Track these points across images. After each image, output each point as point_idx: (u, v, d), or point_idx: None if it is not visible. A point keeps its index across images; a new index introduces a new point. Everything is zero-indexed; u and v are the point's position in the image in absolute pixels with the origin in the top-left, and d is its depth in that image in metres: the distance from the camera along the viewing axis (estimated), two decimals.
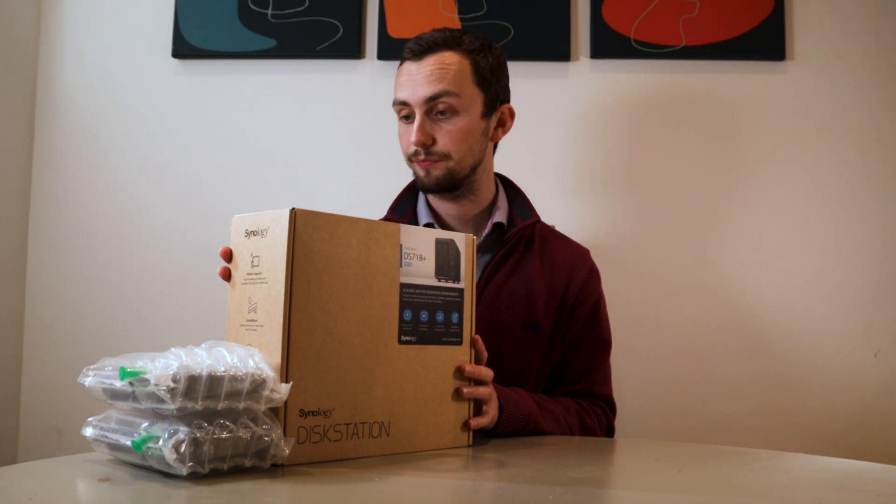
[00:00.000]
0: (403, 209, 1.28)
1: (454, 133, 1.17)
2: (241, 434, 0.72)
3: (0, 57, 1.63)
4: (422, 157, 1.17)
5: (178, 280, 1.65)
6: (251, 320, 0.81)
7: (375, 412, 0.85)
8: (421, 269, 0.91)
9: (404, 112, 1.20)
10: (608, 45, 1.61)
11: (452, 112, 1.17)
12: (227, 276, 0.86)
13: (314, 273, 0.80)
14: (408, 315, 0.89)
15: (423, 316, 0.90)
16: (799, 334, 1.56)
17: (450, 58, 1.18)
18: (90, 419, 0.79)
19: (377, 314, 0.86)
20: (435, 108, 1.17)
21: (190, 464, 0.68)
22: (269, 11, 1.66)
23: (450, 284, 0.94)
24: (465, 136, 1.18)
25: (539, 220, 1.27)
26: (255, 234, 0.82)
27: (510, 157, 1.63)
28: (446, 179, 1.18)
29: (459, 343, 0.94)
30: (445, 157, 1.18)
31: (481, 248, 1.24)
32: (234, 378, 0.71)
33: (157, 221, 1.67)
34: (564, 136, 1.63)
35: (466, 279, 0.95)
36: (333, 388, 0.81)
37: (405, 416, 0.88)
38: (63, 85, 1.71)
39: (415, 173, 1.22)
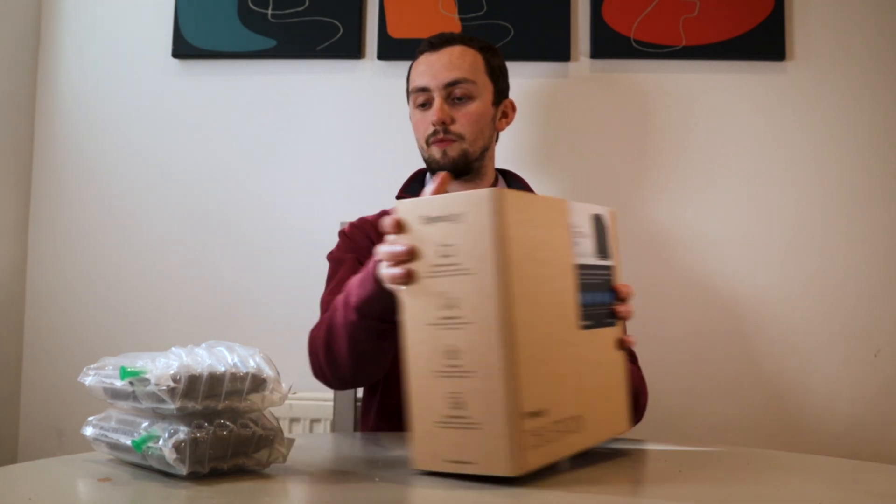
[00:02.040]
0: (413, 191, 1.32)
1: (469, 115, 1.26)
2: (241, 434, 0.72)
3: (0, 57, 1.63)
4: (440, 136, 1.24)
5: (179, 280, 1.65)
6: (450, 317, 0.71)
7: (570, 406, 0.77)
8: (585, 247, 0.83)
9: (422, 99, 1.27)
10: (608, 45, 1.61)
11: (468, 97, 1.26)
12: (405, 279, 0.76)
13: (519, 260, 0.71)
14: (583, 298, 0.81)
15: (593, 298, 0.83)
16: (799, 334, 1.56)
17: (465, 50, 1.28)
18: (90, 418, 0.79)
19: (561, 300, 0.78)
20: (453, 93, 1.25)
21: (190, 463, 0.68)
22: (269, 11, 1.66)
23: (605, 262, 0.86)
24: (479, 119, 1.27)
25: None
26: (441, 220, 0.72)
27: (510, 157, 1.63)
28: (461, 160, 1.26)
29: (614, 323, 0.88)
30: (460, 137, 1.25)
31: None
32: (234, 377, 0.71)
33: (157, 221, 1.67)
34: (564, 135, 1.63)
35: (615, 255, 0.89)
36: (544, 384, 0.73)
37: (590, 407, 0.80)
38: (63, 85, 1.71)
39: (430, 157, 1.27)
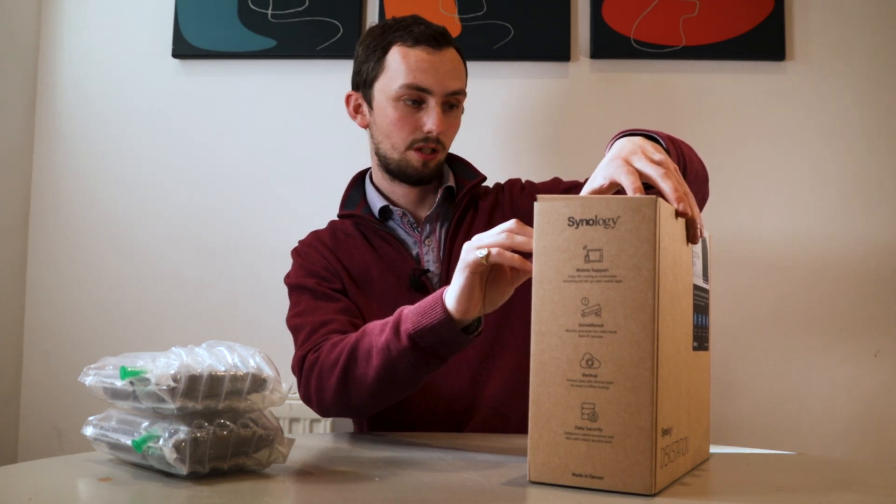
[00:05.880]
0: (354, 201, 1.29)
1: (455, 126, 1.24)
2: (241, 434, 0.72)
3: (0, 57, 1.63)
4: (432, 144, 1.19)
5: (179, 280, 1.65)
6: (591, 325, 0.68)
7: (684, 427, 0.75)
8: (697, 268, 0.81)
9: (415, 97, 1.18)
10: (608, 45, 1.61)
11: (458, 107, 1.23)
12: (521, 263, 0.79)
13: (664, 273, 0.69)
14: (696, 320, 0.80)
15: (700, 320, 0.82)
16: (799, 334, 1.56)
17: (458, 58, 1.23)
18: (90, 418, 0.79)
19: (684, 319, 0.75)
20: (449, 101, 1.20)
21: (190, 463, 0.68)
22: (269, 11, 1.66)
23: (707, 286, 0.85)
24: (457, 129, 1.26)
25: (484, 179, 1.29)
26: (590, 223, 0.69)
27: (510, 157, 1.64)
28: (437, 170, 1.24)
29: (707, 349, 0.86)
30: (444, 148, 1.22)
31: (438, 217, 1.26)
32: (234, 377, 0.71)
33: (157, 221, 1.67)
34: (564, 136, 1.63)
35: (711, 279, 0.88)
36: (671, 402, 0.71)
37: (692, 430, 0.79)
38: (63, 85, 1.71)
39: (404, 161, 1.21)
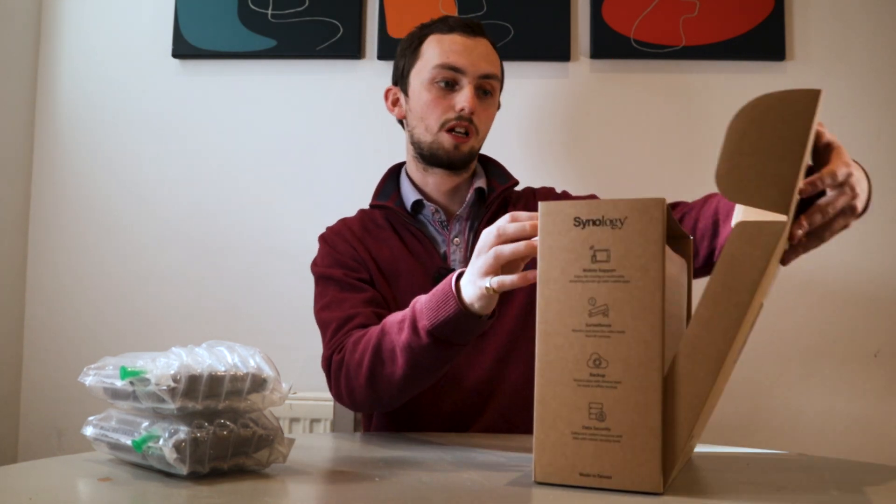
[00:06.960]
0: (388, 193, 1.29)
1: (489, 113, 1.25)
2: (241, 434, 0.72)
3: (0, 57, 1.63)
4: (465, 124, 1.20)
5: (179, 280, 1.65)
6: (599, 325, 0.69)
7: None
8: None
9: (448, 78, 1.20)
10: (608, 45, 1.61)
11: (491, 94, 1.25)
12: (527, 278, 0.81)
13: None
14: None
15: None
16: (799, 334, 1.56)
17: (492, 49, 1.25)
18: (90, 418, 0.79)
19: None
20: (482, 86, 1.22)
21: (190, 463, 0.68)
22: (269, 11, 1.66)
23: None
24: (492, 118, 1.27)
25: (517, 183, 1.30)
26: (597, 224, 0.69)
27: (510, 158, 1.63)
28: (469, 155, 1.23)
29: None
30: (476, 132, 1.23)
31: (468, 217, 1.26)
32: (234, 377, 0.71)
33: (157, 221, 1.67)
34: (564, 136, 1.63)
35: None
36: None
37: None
38: (63, 85, 1.71)
39: (436, 143, 1.21)
